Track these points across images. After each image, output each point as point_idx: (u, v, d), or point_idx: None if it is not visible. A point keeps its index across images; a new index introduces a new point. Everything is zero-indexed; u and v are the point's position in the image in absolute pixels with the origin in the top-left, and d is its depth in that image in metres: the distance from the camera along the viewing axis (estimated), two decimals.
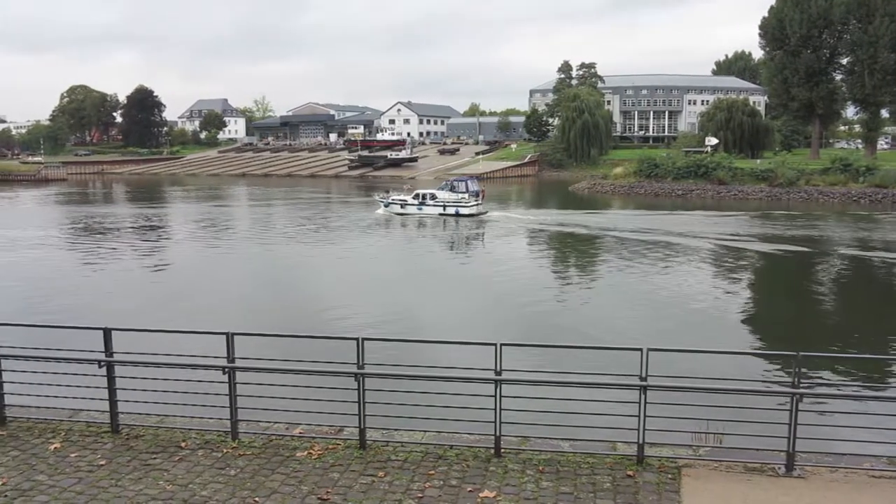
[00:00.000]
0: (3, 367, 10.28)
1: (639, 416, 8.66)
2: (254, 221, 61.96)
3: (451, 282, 34.11)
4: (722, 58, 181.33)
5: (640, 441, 8.73)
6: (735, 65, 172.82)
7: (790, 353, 8.78)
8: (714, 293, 30.12)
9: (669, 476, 8.45)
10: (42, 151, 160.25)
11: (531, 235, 49.83)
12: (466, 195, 60.39)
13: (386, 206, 63.47)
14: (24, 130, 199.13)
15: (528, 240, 48.38)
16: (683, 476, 8.45)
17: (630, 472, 8.53)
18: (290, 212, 67.94)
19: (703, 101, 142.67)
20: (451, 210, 59.39)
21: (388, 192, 67.18)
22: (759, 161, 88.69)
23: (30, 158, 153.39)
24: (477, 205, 59.93)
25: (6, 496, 8.15)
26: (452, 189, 61.75)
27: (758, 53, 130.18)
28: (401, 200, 62.80)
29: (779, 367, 18.22)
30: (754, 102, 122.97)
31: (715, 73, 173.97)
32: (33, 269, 36.09)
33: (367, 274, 35.68)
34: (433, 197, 61.18)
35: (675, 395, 8.93)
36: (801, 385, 8.57)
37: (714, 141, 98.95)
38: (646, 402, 8.61)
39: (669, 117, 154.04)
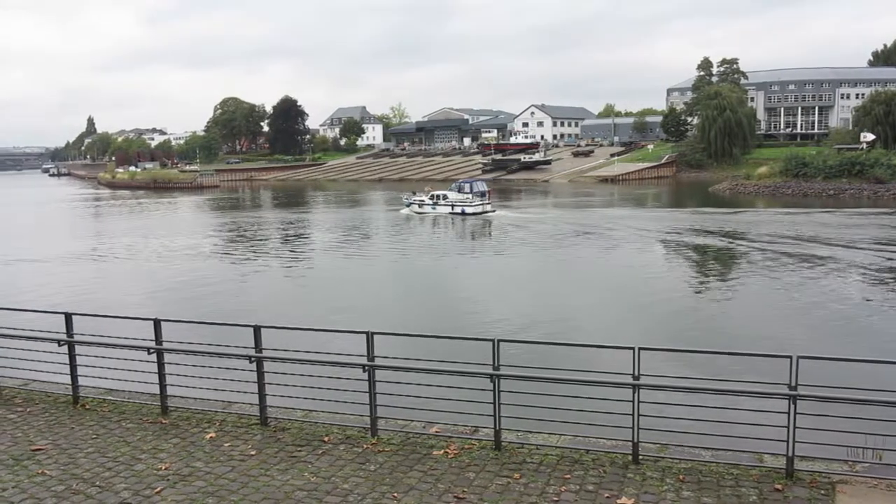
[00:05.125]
0: (165, 360, 11.08)
1: (788, 427, 8.21)
2: (388, 224, 63.77)
3: (587, 283, 33.64)
4: (879, 47, 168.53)
5: (790, 454, 8.27)
6: (895, 54, 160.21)
7: None
8: (872, 299, 28.10)
9: (822, 492, 7.95)
10: (197, 160, 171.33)
11: (669, 238, 48.33)
12: (471, 195, 66.44)
13: (408, 205, 70.52)
14: (181, 141, 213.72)
15: (666, 243, 46.92)
16: (838, 493, 7.94)
17: (778, 486, 8.10)
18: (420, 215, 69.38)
19: (857, 94, 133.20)
20: (458, 209, 65.15)
21: (414, 192, 73.11)
22: None
23: (187, 167, 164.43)
24: (482, 204, 65.40)
25: (168, 479, 8.79)
26: (460, 190, 68.33)
27: None
28: (419, 201, 69.47)
29: None
30: None
31: (871, 64, 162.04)
32: (192, 269, 38.68)
33: (496, 274, 35.85)
34: (444, 197, 67.38)
35: (828, 405, 8.39)
36: None
37: (870, 137, 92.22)
38: (796, 413, 8.16)
39: (819, 113, 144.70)
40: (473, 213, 64.40)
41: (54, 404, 11.80)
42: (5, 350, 12.44)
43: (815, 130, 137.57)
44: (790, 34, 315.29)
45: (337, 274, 38.27)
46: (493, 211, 65.69)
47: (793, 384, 8.13)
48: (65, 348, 11.62)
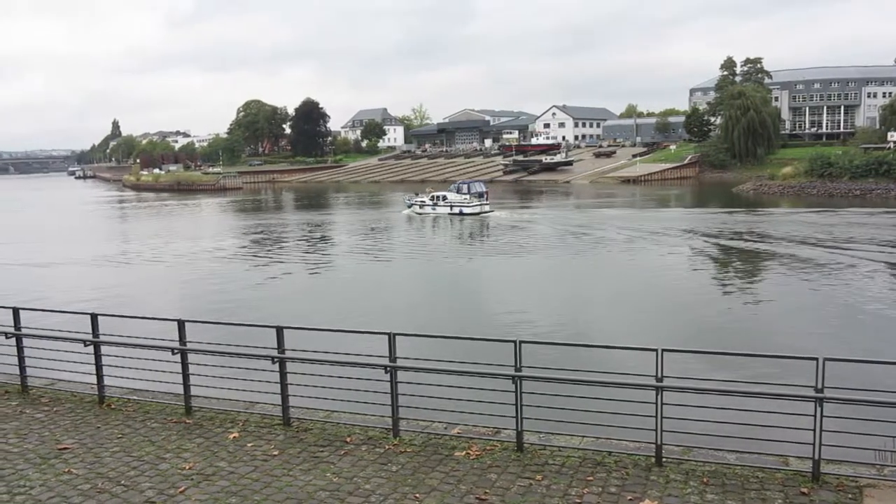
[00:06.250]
0: (189, 360, 11.17)
1: (814, 430, 8.10)
2: (390, 225, 64.10)
3: (586, 282, 33.47)
4: None
5: (816, 457, 8.16)
6: None
7: None
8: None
9: (850, 496, 7.84)
10: (221, 162, 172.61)
11: (691, 240, 47.94)
12: (469, 196, 68.00)
13: (409, 206, 72.31)
14: (205, 143, 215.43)
15: (688, 246, 46.55)
16: (866, 497, 7.82)
17: (804, 490, 7.99)
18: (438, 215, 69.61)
19: (884, 93, 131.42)
20: (457, 210, 66.73)
21: (417, 194, 74.73)
22: None
23: (210, 169, 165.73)
24: (479, 205, 66.97)
25: (192, 479, 8.85)
26: (459, 191, 69.84)
27: None
28: (419, 202, 71.18)
29: None
30: None
31: None
32: (215, 271, 38.98)
33: (494, 273, 35.82)
34: (444, 198, 68.86)
35: (855, 408, 8.26)
36: None
37: None
38: (822, 415, 8.05)
39: (845, 112, 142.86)
40: (471, 214, 66.14)
41: (80, 404, 11.93)
42: (32, 350, 12.61)
43: (841, 130, 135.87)
44: (800, 34, 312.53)
45: (344, 275, 38.44)
46: (491, 211, 67.24)
47: (819, 386, 8.03)
48: (90, 348, 11.76)
